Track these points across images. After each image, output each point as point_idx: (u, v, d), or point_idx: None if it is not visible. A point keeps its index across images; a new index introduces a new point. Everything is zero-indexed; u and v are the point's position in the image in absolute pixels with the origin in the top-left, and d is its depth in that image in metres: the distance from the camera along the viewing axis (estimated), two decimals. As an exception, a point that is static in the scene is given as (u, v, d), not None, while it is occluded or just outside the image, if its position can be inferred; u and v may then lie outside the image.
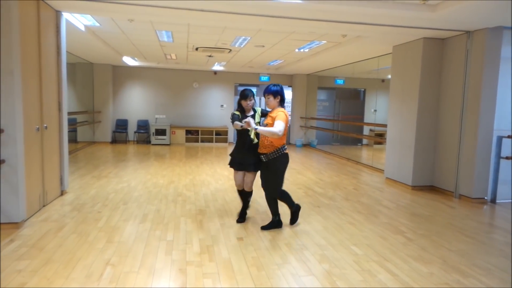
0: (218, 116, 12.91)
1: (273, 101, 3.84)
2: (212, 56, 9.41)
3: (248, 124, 3.64)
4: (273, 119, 3.73)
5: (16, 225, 3.82)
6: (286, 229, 4.04)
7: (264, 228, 3.98)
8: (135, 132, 12.27)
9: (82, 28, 6.20)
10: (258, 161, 3.96)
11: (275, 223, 4.01)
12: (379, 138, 10.23)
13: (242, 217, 4.26)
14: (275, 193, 3.94)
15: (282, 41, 7.17)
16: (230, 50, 8.35)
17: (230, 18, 5.08)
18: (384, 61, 8.14)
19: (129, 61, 10.81)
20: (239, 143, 4.05)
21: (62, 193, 5.23)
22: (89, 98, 11.51)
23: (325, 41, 7.11)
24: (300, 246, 3.57)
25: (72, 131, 10.29)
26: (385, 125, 7.37)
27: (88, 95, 11.47)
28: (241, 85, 13.42)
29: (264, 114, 4.07)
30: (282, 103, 3.91)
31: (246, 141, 3.94)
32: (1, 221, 3.78)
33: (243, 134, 3.95)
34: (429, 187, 6.31)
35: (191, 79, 12.63)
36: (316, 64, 10.23)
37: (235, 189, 5.97)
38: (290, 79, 13.29)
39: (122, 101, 12.32)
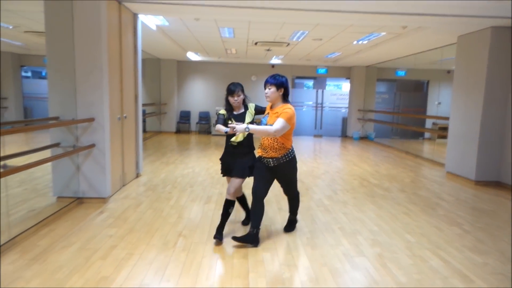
0: (275, 109, 13.19)
1: (275, 93, 3.17)
2: (270, 50, 9.70)
3: (232, 130, 2.99)
4: (277, 117, 3.10)
5: (103, 200, 4.47)
6: (339, 215, 4.23)
7: (287, 228, 3.72)
8: (197, 123, 13.03)
9: (154, 28, 6.82)
10: (248, 165, 3.41)
11: (294, 223, 3.78)
12: (443, 131, 9.81)
13: (220, 233, 3.40)
14: (296, 191, 3.62)
15: (340, 34, 7.23)
16: (288, 43, 8.56)
17: (289, 14, 5.31)
18: (449, 52, 7.82)
19: (192, 56, 11.50)
20: (226, 145, 3.50)
21: (137, 175, 5.89)
22: (157, 91, 12.45)
23: (384, 33, 7.03)
24: (353, 231, 3.76)
25: (142, 121, 11.25)
26: (448, 118, 7.13)
27: (156, 88, 12.42)
28: (298, 77, 13.59)
29: (260, 111, 3.47)
30: (286, 97, 3.25)
31: (230, 143, 3.41)
32: (92, 196, 4.45)
33: (230, 135, 3.36)
34: (494, 182, 6.04)
35: (250, 73, 13.05)
36: (376, 56, 10.05)
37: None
38: (348, 71, 13.14)
39: (185, 94, 13.14)
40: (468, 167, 6.20)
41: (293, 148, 3.34)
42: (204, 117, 13.08)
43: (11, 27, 7.56)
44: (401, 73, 12.42)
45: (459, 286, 2.69)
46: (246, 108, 3.45)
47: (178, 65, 12.81)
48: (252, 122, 3.36)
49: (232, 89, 3.36)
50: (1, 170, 3.04)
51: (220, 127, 3.21)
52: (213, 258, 3.05)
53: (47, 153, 4.27)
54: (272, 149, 3.22)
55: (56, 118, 4.28)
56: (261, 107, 3.50)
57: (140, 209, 4.28)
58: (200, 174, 6.24)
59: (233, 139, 3.34)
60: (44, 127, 4.34)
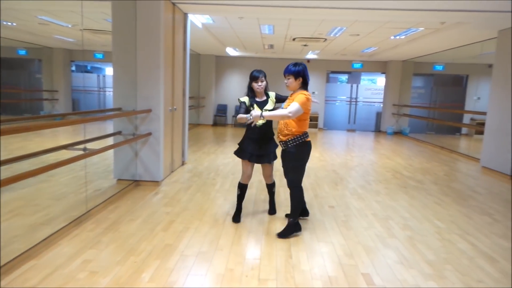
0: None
1: (294, 83, 3.32)
2: (307, 45, 9.96)
3: (256, 118, 3.12)
4: (292, 101, 3.24)
5: (157, 183, 5.01)
6: (372, 203, 4.52)
7: (280, 235, 3.41)
8: (233, 116, 13.53)
9: (200, 26, 7.30)
10: (274, 150, 3.71)
11: (292, 227, 3.45)
12: (480, 127, 9.69)
13: (238, 216, 3.82)
14: (297, 182, 3.42)
15: (377, 29, 7.39)
16: (325, 39, 8.80)
17: (329, 12, 5.59)
18: (490, 46, 7.76)
19: (231, 51, 11.95)
20: (251, 131, 3.65)
21: (183, 163, 6.42)
22: (196, 85, 13.05)
23: (422, 28, 7.13)
24: (385, 216, 4.05)
25: (183, 114, 11.90)
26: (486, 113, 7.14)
27: (195, 82, 13.01)
28: (332, 72, 13.73)
29: (280, 99, 3.66)
30: (305, 86, 3.37)
31: (257, 130, 3.59)
32: (147, 179, 5.00)
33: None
34: (531, 178, 6.06)
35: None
36: (413, 50, 10.05)
37: (326, 168, 6.59)
38: (384, 66, 13.13)
39: (223, 88, 13.67)
40: (504, 162, 6.24)
41: (305, 135, 3.34)
42: (240, 110, 13.54)
43: (70, 25, 8.32)
44: (439, 67, 12.26)
45: (484, 265, 2.94)
46: (267, 96, 3.63)
47: (217, 60, 13.33)
48: (273, 109, 3.55)
49: (256, 75, 3.51)
50: (84, 152, 3.60)
51: (242, 116, 3.27)
52: (258, 233, 3.47)
53: (107, 141, 4.85)
54: (282, 134, 3.37)
55: (119, 109, 4.84)
56: (282, 96, 3.67)
57: (190, 192, 4.78)
58: (239, 164, 6.66)
59: (259, 123, 3.51)
60: (110, 117, 4.93)
